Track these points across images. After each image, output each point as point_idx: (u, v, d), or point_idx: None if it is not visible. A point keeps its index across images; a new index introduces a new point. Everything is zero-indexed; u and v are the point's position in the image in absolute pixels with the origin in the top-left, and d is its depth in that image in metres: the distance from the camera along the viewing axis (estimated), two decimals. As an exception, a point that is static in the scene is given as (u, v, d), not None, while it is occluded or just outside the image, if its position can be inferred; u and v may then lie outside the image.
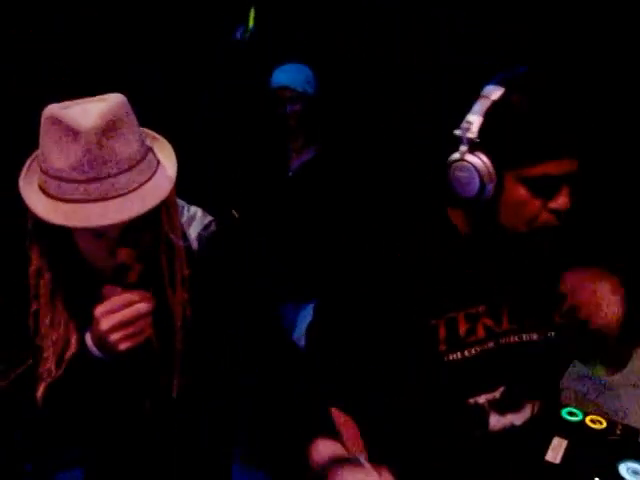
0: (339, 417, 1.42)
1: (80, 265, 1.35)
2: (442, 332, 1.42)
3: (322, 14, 3.40)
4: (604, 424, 1.32)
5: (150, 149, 1.30)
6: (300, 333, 1.69)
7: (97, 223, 1.19)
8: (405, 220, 1.51)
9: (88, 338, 1.31)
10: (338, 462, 1.27)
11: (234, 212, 2.37)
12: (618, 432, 1.30)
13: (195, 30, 3.36)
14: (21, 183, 1.27)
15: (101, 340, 1.27)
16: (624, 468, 1.21)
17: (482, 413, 1.45)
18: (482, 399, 1.45)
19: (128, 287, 1.31)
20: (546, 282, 1.47)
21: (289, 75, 2.96)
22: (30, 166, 1.30)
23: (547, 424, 1.34)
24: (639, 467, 1.21)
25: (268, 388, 1.52)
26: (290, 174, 3.00)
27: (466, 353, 1.43)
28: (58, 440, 1.52)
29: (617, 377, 1.46)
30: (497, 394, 1.45)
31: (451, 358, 1.42)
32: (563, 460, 1.25)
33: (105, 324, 1.25)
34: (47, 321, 1.36)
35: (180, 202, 1.46)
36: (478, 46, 3.19)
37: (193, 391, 1.49)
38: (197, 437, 1.60)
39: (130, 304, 1.27)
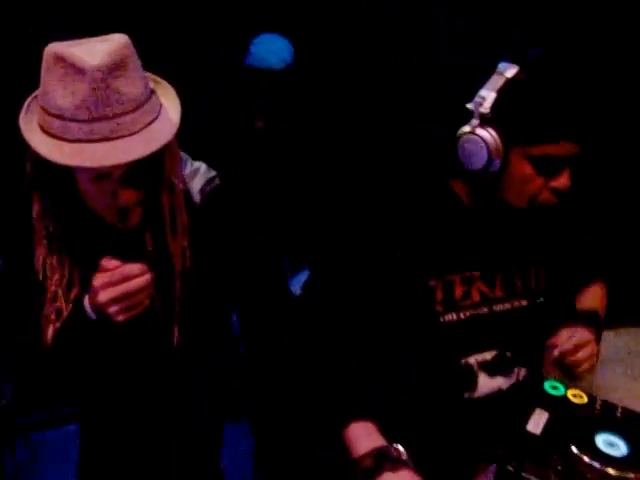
0: None
1: (82, 208, 1.34)
2: (439, 294, 1.45)
3: (322, 14, 3.42)
4: (585, 399, 1.33)
5: (154, 92, 1.28)
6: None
7: (102, 163, 1.19)
8: (408, 185, 1.53)
9: (86, 302, 1.29)
10: (381, 458, 1.30)
11: None
12: (598, 407, 1.30)
13: (195, 30, 3.39)
14: (22, 124, 1.25)
15: (99, 310, 1.26)
16: (600, 440, 1.22)
17: (471, 374, 1.48)
18: (472, 359, 1.47)
19: (127, 257, 1.28)
20: (538, 251, 1.53)
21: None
22: (29, 106, 1.27)
23: (529, 395, 1.35)
24: (615, 439, 1.22)
25: (269, 343, 1.56)
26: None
27: (461, 315, 1.46)
28: (61, 388, 1.51)
29: (603, 352, 1.48)
30: (488, 356, 1.49)
31: (447, 319, 1.45)
32: (543, 431, 1.26)
33: (103, 296, 1.24)
34: (51, 262, 1.36)
35: (184, 155, 1.46)
36: (478, 46, 3.20)
37: (193, 342, 1.48)
38: (196, 390, 1.59)
39: (129, 278, 1.25)
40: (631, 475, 1.16)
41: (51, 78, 1.18)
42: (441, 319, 1.45)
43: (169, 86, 1.36)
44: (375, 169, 2.83)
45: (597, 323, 1.53)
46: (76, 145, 1.18)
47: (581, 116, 1.33)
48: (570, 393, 1.34)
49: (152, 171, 1.31)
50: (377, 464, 1.30)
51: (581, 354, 1.44)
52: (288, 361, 1.54)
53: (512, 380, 1.51)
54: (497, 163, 1.35)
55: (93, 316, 1.28)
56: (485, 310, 1.48)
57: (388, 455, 1.31)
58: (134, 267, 1.26)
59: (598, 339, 1.50)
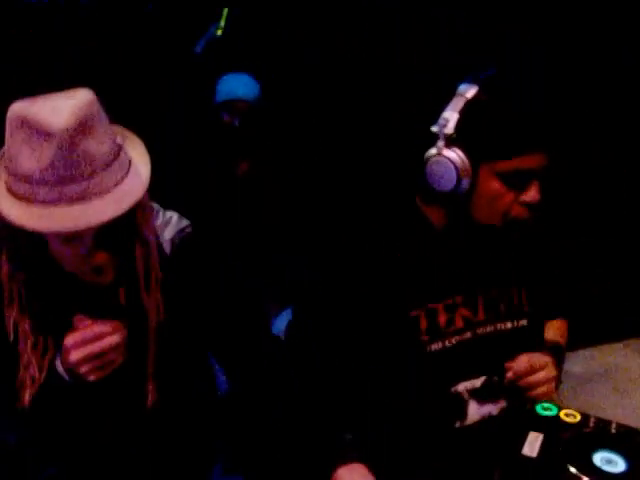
0: None
1: (53, 267, 1.30)
2: (423, 323, 1.45)
3: (322, 14, 3.42)
4: (578, 417, 1.33)
5: (122, 147, 1.24)
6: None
7: (73, 227, 1.15)
8: (381, 216, 1.54)
9: (58, 364, 1.27)
10: None
11: None
12: (591, 424, 1.31)
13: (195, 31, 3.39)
14: None
15: (71, 370, 1.24)
16: (598, 458, 1.22)
17: (461, 402, 1.48)
18: (461, 387, 1.47)
19: (101, 314, 1.25)
20: (517, 272, 1.53)
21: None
22: None
23: (522, 419, 1.35)
24: (613, 456, 1.22)
25: (253, 390, 1.51)
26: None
27: (447, 343, 1.46)
28: (41, 453, 1.46)
29: (591, 370, 1.49)
30: (477, 383, 1.49)
31: (433, 348, 1.45)
32: (539, 454, 1.26)
33: (74, 356, 1.21)
34: (24, 327, 1.31)
35: (155, 206, 1.42)
36: (478, 46, 3.21)
37: (168, 399, 1.43)
38: (174, 447, 1.52)
39: (101, 337, 1.22)
40: (632, 491, 1.16)
41: (16, 141, 1.14)
42: (427, 349, 1.45)
43: (137, 139, 1.31)
44: (349, 206, 2.85)
45: (558, 353, 1.52)
46: (45, 209, 1.14)
47: (544, 126, 1.35)
48: (563, 413, 1.34)
49: (124, 228, 1.26)
50: None
51: (534, 377, 1.44)
52: (271, 402, 1.50)
53: (501, 405, 1.51)
54: (466, 183, 1.36)
55: (65, 376, 1.26)
56: (469, 335, 1.48)
57: None
58: (106, 325, 1.23)
59: (559, 369, 1.50)
